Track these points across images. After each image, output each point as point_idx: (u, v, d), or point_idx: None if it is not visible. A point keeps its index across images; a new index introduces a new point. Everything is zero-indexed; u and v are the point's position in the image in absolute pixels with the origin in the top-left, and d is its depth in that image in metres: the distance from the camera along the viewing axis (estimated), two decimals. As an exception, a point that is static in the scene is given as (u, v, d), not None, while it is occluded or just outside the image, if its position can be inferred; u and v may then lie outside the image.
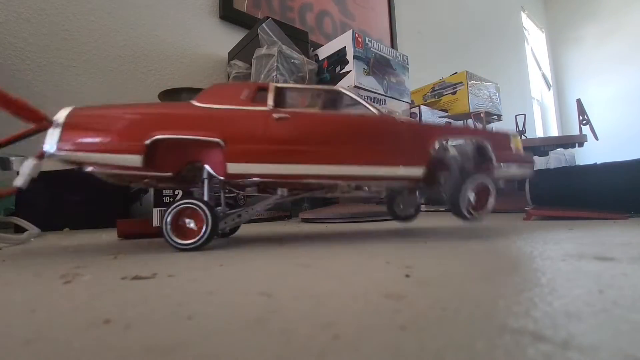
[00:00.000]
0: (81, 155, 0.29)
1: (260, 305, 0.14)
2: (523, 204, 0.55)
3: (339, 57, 0.92)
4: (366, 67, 0.92)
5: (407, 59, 1.06)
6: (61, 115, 0.30)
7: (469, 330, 0.11)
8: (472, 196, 0.33)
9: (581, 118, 0.64)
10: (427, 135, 0.34)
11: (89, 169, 0.30)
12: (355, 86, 0.89)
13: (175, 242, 0.30)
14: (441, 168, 0.35)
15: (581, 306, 0.12)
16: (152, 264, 0.24)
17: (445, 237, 0.34)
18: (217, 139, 0.30)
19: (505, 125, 1.32)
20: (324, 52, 0.99)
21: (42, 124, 0.30)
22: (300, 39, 0.96)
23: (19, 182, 0.29)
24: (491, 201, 0.34)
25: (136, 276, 0.20)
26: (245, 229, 0.53)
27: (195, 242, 0.30)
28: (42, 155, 0.30)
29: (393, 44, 1.64)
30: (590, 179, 0.49)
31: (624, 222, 0.41)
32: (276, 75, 0.84)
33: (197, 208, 0.30)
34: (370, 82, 0.92)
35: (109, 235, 0.47)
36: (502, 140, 0.37)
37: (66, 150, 0.29)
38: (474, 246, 0.27)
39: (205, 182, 0.32)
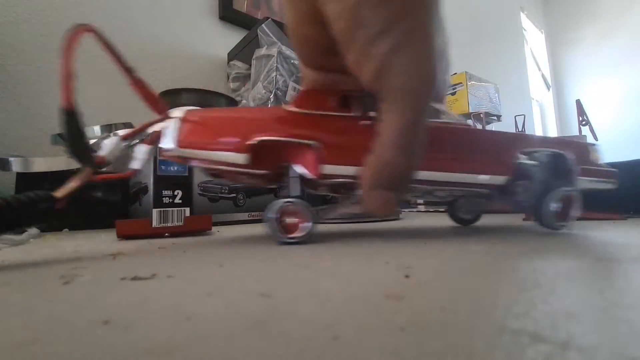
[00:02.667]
0: (191, 152, 0.33)
1: (259, 305, 0.14)
2: (522, 204, 0.55)
3: (339, 58, 0.92)
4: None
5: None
6: (177, 114, 0.34)
7: (468, 331, 0.11)
8: (557, 207, 0.34)
9: (581, 119, 0.64)
10: (511, 144, 0.35)
11: (196, 164, 0.34)
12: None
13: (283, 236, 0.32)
14: (519, 177, 0.35)
15: (581, 307, 0.12)
16: (152, 264, 0.24)
17: (444, 237, 0.34)
18: (312, 142, 0.32)
19: (505, 125, 1.32)
20: (323, 52, 0.98)
21: (163, 117, 0.34)
22: (299, 40, 0.96)
23: (136, 165, 0.33)
24: (575, 210, 0.35)
25: (135, 277, 0.20)
26: (245, 229, 0.53)
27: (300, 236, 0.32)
28: (153, 142, 0.34)
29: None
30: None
31: (624, 222, 0.41)
32: (276, 75, 0.84)
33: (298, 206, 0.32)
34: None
35: (108, 236, 0.47)
36: (582, 151, 0.38)
37: (181, 146, 0.32)
38: (474, 246, 0.27)
39: (295, 180, 0.33)
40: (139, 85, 0.33)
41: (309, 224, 0.32)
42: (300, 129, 0.32)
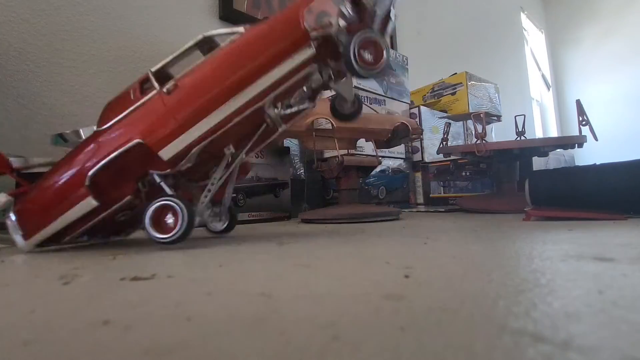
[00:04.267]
0: (45, 233, 0.32)
1: (259, 305, 0.14)
2: (522, 204, 0.55)
3: (339, 58, 0.92)
4: (366, 68, 0.92)
5: (406, 59, 1.07)
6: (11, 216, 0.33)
7: (468, 331, 0.11)
8: (364, 53, 0.32)
9: (580, 119, 0.64)
10: (294, 15, 0.33)
11: (67, 239, 0.33)
12: (354, 86, 0.89)
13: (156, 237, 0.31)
14: (333, 43, 0.33)
15: (581, 307, 0.12)
16: (151, 264, 0.24)
17: (445, 237, 0.34)
18: (136, 141, 0.31)
19: (505, 125, 1.32)
20: (323, 52, 0.99)
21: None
22: (299, 40, 0.96)
23: None
24: (385, 55, 0.33)
25: (135, 277, 0.20)
26: (244, 230, 0.53)
27: (172, 235, 0.31)
28: (16, 195, 0.34)
29: (393, 45, 1.64)
30: (589, 179, 0.49)
31: (624, 222, 0.41)
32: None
33: (172, 204, 0.31)
34: (369, 83, 0.92)
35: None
36: None
37: (31, 235, 0.32)
38: (474, 247, 0.27)
39: (162, 183, 0.32)
40: None
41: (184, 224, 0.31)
42: (120, 139, 0.31)
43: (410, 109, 1.09)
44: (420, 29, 1.79)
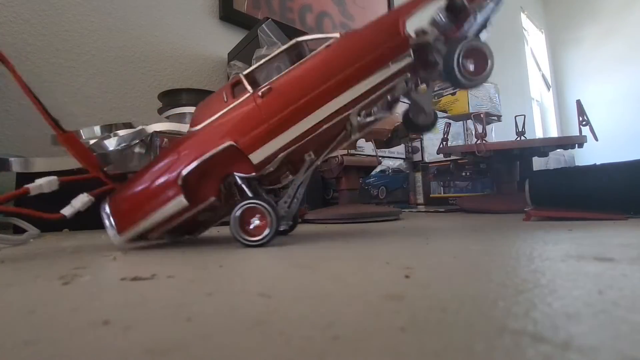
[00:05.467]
0: (139, 228, 0.32)
1: (259, 306, 0.14)
2: (522, 204, 0.55)
3: (339, 58, 0.92)
4: (366, 68, 0.92)
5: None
6: (106, 209, 0.34)
7: (468, 332, 0.11)
8: (467, 63, 0.32)
9: (581, 119, 0.64)
10: (393, 23, 0.33)
11: (154, 235, 0.34)
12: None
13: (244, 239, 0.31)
14: (429, 48, 0.33)
15: (581, 307, 0.12)
16: (151, 264, 0.24)
17: (445, 237, 0.34)
18: (228, 143, 0.31)
19: (505, 126, 1.32)
20: (323, 52, 0.99)
21: (92, 172, 0.34)
22: (300, 40, 0.96)
23: (67, 212, 0.33)
24: (490, 65, 0.33)
25: (135, 277, 0.20)
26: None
27: (262, 238, 0.31)
28: (97, 195, 0.35)
29: (393, 45, 1.64)
30: (589, 179, 0.49)
31: (624, 222, 0.41)
32: (276, 76, 0.84)
33: (260, 206, 0.31)
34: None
35: (108, 237, 0.47)
36: None
37: (125, 231, 0.32)
38: (474, 247, 0.27)
39: (243, 185, 0.33)
40: (68, 140, 0.32)
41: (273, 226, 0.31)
42: (212, 140, 0.32)
43: (410, 109, 1.09)
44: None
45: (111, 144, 0.60)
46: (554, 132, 3.07)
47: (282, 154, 0.32)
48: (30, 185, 0.32)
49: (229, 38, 1.08)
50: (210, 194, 0.33)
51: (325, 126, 0.32)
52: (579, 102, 0.65)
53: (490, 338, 0.10)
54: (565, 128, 3.14)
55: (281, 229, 0.42)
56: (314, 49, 0.34)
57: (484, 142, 0.72)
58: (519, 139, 0.77)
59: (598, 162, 0.51)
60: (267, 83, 0.33)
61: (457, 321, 0.11)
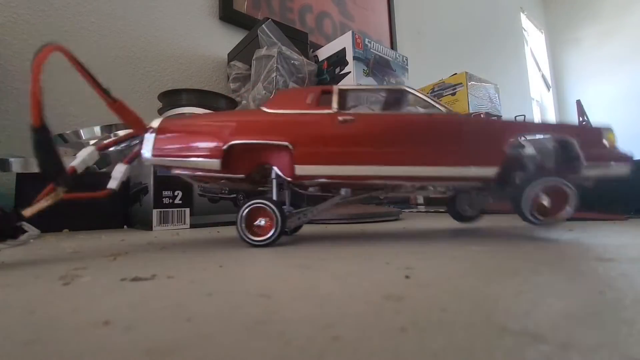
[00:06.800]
0: (165, 160, 0.33)
1: (259, 306, 0.14)
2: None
3: (339, 58, 0.92)
4: (366, 68, 0.92)
5: (406, 60, 1.07)
6: (154, 124, 0.34)
7: (468, 332, 0.11)
8: (543, 198, 0.32)
9: (581, 119, 0.64)
10: (501, 132, 0.33)
11: (176, 172, 0.34)
12: (355, 87, 0.89)
13: (249, 238, 0.32)
14: (518, 167, 0.33)
15: (581, 307, 0.12)
16: (151, 265, 0.24)
17: (445, 238, 0.34)
18: (285, 143, 0.32)
19: (504, 126, 1.32)
20: (323, 53, 0.99)
21: (140, 131, 0.34)
22: (300, 40, 0.97)
23: (113, 185, 0.33)
24: (568, 209, 0.32)
25: (135, 277, 0.20)
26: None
27: (266, 239, 0.31)
28: (132, 160, 0.34)
29: (393, 45, 1.64)
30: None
31: (624, 222, 0.41)
32: (276, 76, 0.84)
33: (267, 207, 0.31)
34: (370, 83, 0.92)
35: (108, 237, 0.47)
36: (592, 135, 0.35)
37: (158, 156, 0.33)
38: (474, 247, 0.27)
39: (274, 182, 0.34)
40: (118, 108, 0.32)
41: (278, 227, 0.31)
42: (274, 130, 0.32)
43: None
44: (420, 29, 1.79)
45: (111, 144, 0.61)
46: (553, 132, 3.06)
47: (322, 181, 0.32)
48: (74, 163, 0.31)
49: (229, 38, 1.08)
50: (241, 172, 0.33)
51: (376, 182, 0.32)
52: (579, 102, 0.65)
53: (490, 338, 0.10)
54: (565, 128, 3.13)
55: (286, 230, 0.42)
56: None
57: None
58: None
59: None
60: (353, 112, 0.33)
61: (457, 321, 0.11)
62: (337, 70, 0.92)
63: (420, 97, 0.35)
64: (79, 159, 0.32)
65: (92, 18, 0.85)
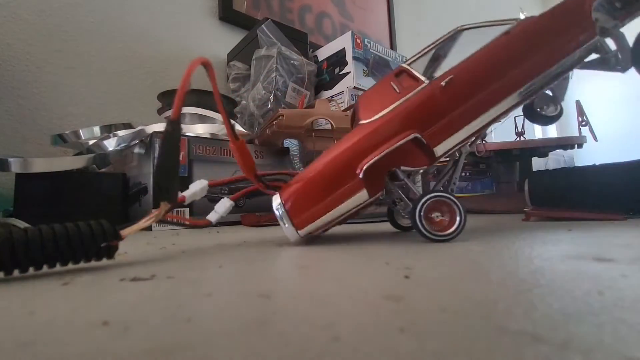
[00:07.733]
0: (320, 223, 0.32)
1: (259, 306, 0.14)
2: (522, 204, 0.55)
3: (338, 58, 0.92)
4: (365, 68, 0.92)
5: (406, 60, 1.07)
6: (276, 200, 0.32)
7: (468, 332, 0.11)
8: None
9: (580, 119, 0.64)
10: (579, 3, 0.31)
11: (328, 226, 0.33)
12: (354, 87, 0.89)
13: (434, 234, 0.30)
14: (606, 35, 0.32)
15: (580, 307, 0.12)
16: (151, 265, 0.24)
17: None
18: (413, 135, 0.30)
19: (503, 126, 1.32)
20: (323, 53, 0.99)
21: (250, 176, 0.31)
22: (299, 40, 0.97)
23: (213, 218, 0.33)
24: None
25: (135, 277, 0.20)
26: (245, 230, 0.53)
27: (451, 232, 0.30)
28: (236, 199, 0.34)
29: (392, 45, 1.64)
30: (589, 180, 0.49)
31: (623, 222, 0.41)
32: (275, 76, 0.84)
33: (447, 200, 0.30)
34: (369, 83, 0.92)
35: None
36: None
37: (303, 227, 0.31)
38: (474, 247, 0.27)
39: (406, 179, 0.32)
40: (240, 147, 0.29)
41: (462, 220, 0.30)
42: (392, 131, 0.30)
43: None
44: (419, 30, 1.79)
45: (110, 144, 0.61)
46: (553, 133, 3.07)
47: (456, 147, 0.31)
48: (185, 193, 0.31)
49: (229, 38, 1.08)
50: (380, 188, 0.32)
51: (504, 117, 0.31)
52: (578, 103, 0.65)
53: (490, 338, 0.10)
54: (564, 128, 3.14)
55: (405, 224, 0.42)
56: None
57: (483, 142, 0.72)
58: (518, 139, 0.78)
59: (597, 163, 0.51)
60: (447, 72, 0.31)
61: (456, 321, 0.11)
62: (337, 70, 0.92)
63: (482, 26, 0.35)
64: (191, 191, 0.31)
65: (91, 18, 0.85)
